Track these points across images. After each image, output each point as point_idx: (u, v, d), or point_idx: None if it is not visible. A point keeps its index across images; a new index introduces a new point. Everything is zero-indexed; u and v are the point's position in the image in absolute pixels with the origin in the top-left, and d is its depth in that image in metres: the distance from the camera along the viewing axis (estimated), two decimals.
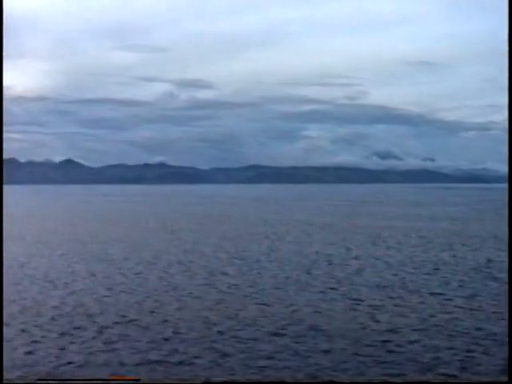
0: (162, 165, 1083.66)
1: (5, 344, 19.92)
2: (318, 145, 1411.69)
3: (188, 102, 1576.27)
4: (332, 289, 34.57)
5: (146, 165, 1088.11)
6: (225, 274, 40.59)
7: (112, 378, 18.41)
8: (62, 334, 24.99)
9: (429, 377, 18.81)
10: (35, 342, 23.94)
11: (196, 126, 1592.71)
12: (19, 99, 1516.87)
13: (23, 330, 25.52)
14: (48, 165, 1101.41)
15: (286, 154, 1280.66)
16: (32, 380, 18.38)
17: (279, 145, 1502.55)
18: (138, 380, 17.34)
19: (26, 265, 44.49)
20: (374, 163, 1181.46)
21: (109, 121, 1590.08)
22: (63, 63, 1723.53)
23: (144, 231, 75.22)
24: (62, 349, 22.97)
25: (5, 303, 23.99)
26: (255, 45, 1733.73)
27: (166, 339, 24.08)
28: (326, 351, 22.18)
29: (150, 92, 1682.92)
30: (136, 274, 40.76)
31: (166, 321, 27.22)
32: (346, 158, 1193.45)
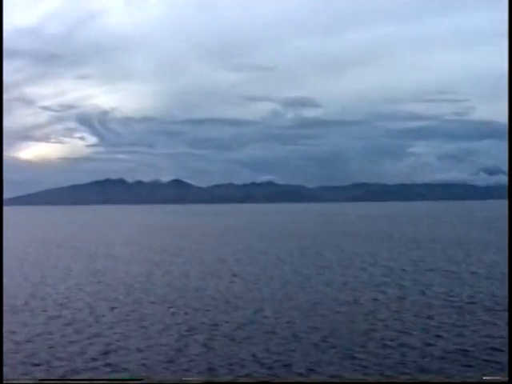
0: (269, 183, 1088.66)
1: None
2: (424, 161, 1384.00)
3: (294, 121, 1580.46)
4: None
5: (254, 184, 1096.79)
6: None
7: (115, 377, 18.52)
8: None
9: (429, 377, 18.59)
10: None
11: (303, 144, 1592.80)
12: (126, 120, 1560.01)
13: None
14: (156, 185, 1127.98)
15: (393, 172, 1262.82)
16: (32, 380, 18.01)
17: (386, 162, 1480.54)
18: (142, 380, 17.13)
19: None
20: (482, 179, 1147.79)
21: (216, 140, 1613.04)
22: (169, 84, 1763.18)
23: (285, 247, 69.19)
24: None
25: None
26: (359, 62, 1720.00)
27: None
28: None
29: (256, 111, 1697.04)
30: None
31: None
32: (453, 174, 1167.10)
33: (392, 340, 24.93)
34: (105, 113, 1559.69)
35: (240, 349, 24.13)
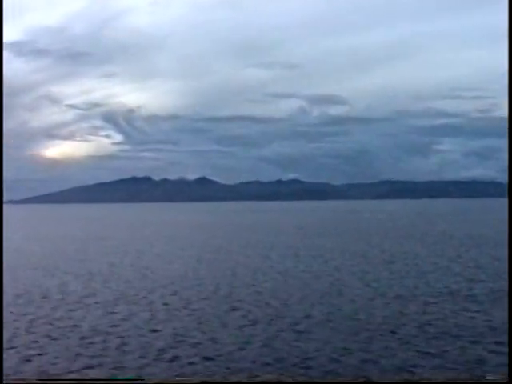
0: (295, 181, 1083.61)
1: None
2: (450, 159, 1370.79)
3: (320, 118, 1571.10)
4: None
5: (280, 181, 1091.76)
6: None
7: (116, 377, 18.19)
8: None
9: (428, 377, 18.43)
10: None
11: (329, 141, 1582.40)
12: (152, 118, 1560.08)
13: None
14: (182, 182, 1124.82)
15: (419, 169, 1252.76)
16: (32, 380, 17.89)
17: (412, 159, 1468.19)
18: (142, 380, 17.16)
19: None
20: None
21: (242, 138, 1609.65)
22: (195, 82, 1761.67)
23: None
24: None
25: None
26: (386, 59, 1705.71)
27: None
28: None
29: (282, 108, 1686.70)
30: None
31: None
32: (479, 171, 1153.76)
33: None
34: (130, 111, 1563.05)
35: (302, 344, 24.16)
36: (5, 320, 25.62)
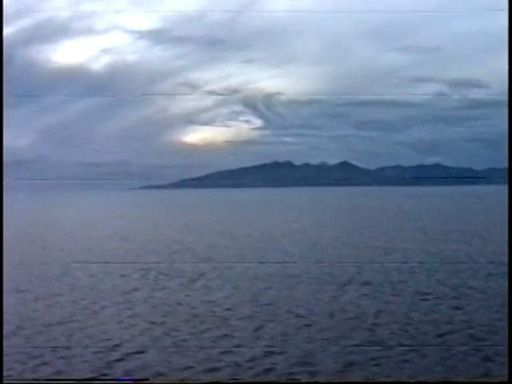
0: (437, 166, 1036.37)
1: (5, 343, 15.63)
2: None
3: (460, 102, 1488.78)
4: None
5: (421, 166, 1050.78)
6: None
7: (117, 377, 16.58)
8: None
9: (428, 377, 16.23)
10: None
11: (469, 126, 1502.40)
12: (291, 103, 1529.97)
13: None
14: (323, 167, 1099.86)
15: None
16: (33, 380, 15.95)
17: None
18: (147, 380, 15.79)
19: None
20: None
21: (381, 122, 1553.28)
22: (334, 66, 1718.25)
23: None
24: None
25: None
26: None
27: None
28: None
29: (421, 93, 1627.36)
30: None
31: None
32: None
33: None
34: (270, 96, 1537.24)
35: None
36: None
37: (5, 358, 13.52)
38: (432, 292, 27.33)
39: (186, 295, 25.85)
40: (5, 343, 13.78)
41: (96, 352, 17.60)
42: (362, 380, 16.89)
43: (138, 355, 17.22)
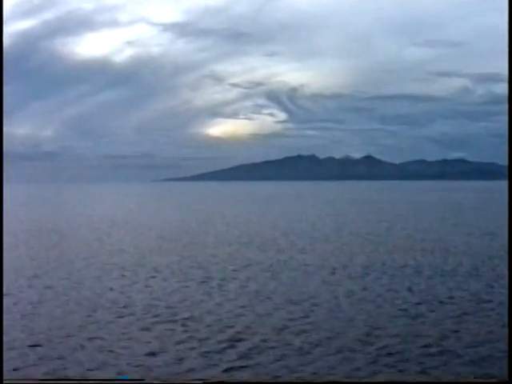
0: (461, 161, 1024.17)
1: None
2: None
3: (485, 97, 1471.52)
4: None
5: (445, 161, 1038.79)
6: None
7: (116, 378, 17.03)
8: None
9: (428, 377, 16.96)
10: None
11: (494, 121, 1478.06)
12: (315, 97, 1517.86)
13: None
14: (348, 161, 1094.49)
15: None
16: (32, 380, 16.65)
17: None
18: (143, 380, 16.10)
19: None
20: None
21: (406, 117, 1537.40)
22: (358, 60, 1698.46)
23: None
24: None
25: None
26: None
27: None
28: None
29: (445, 87, 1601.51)
30: None
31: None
32: None
33: None
34: (293, 89, 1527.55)
35: None
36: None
37: None
38: None
39: None
40: None
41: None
42: (361, 380, 16.61)
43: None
